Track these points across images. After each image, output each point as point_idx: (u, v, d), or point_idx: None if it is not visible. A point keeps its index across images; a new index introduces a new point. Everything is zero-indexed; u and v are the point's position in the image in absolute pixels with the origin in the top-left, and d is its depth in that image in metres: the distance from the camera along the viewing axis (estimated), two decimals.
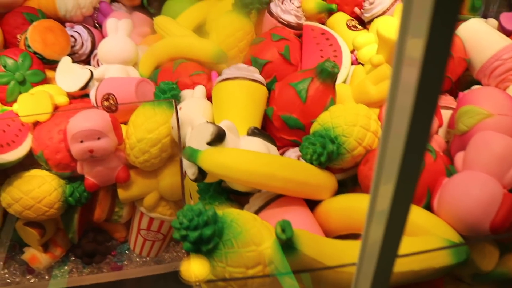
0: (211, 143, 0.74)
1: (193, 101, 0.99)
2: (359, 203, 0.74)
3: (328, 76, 0.87)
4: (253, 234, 0.59)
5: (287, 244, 0.56)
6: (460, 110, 0.82)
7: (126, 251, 1.15)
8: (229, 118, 0.83)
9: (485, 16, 1.22)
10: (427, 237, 0.66)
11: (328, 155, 0.77)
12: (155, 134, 0.95)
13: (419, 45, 0.31)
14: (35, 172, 0.98)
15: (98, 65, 1.21)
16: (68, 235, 1.07)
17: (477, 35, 1.03)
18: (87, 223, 1.10)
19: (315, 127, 0.84)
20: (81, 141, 0.90)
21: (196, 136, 0.76)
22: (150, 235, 1.09)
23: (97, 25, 1.36)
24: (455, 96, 1.00)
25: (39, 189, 0.95)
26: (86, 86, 1.10)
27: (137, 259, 1.14)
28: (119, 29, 1.17)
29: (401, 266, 0.52)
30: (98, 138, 0.91)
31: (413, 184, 0.37)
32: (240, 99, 0.92)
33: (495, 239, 0.70)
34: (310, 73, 0.89)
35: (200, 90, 1.02)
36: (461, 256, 0.63)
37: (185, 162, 0.74)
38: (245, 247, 0.58)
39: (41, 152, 0.95)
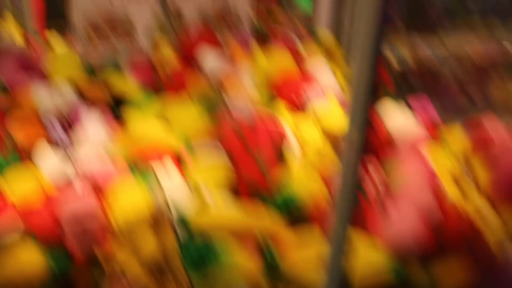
0: None
1: (169, 177, 1.11)
2: None
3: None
4: None
5: None
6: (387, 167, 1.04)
7: None
8: None
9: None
10: None
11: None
12: (136, 206, 1.06)
13: None
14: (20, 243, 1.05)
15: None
16: None
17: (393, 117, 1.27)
18: None
19: None
20: (76, 224, 1.02)
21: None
22: None
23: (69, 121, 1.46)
24: None
25: (25, 260, 1.03)
26: (66, 172, 1.19)
27: None
28: (93, 120, 1.34)
29: None
30: (92, 220, 1.03)
31: None
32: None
33: None
34: None
35: (171, 168, 1.15)
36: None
37: None
38: None
39: (31, 230, 1.04)
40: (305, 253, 0.88)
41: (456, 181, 1.18)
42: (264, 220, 0.92)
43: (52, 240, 1.05)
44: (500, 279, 0.96)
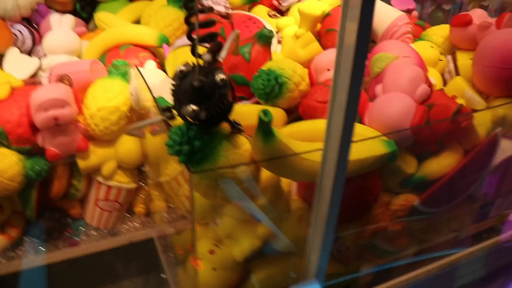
0: None
1: (149, 71, 1.06)
2: (314, 123, 0.89)
3: (266, 39, 1.01)
4: (234, 140, 0.68)
5: (267, 129, 0.65)
6: (373, 58, 0.98)
7: (82, 228, 1.19)
8: None
9: None
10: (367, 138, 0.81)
11: (273, 87, 0.92)
12: (114, 103, 1.03)
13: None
14: None
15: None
16: (26, 213, 1.09)
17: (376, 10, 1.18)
18: (43, 203, 1.12)
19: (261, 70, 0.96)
20: (46, 110, 0.95)
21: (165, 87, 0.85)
22: (108, 205, 1.14)
23: (34, 25, 1.38)
24: None
25: (1, 163, 0.98)
26: (35, 74, 1.15)
27: (94, 233, 1.18)
28: (63, 23, 1.25)
29: (353, 154, 0.64)
30: (62, 107, 0.96)
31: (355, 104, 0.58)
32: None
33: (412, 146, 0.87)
34: (250, 39, 1.02)
35: (151, 63, 1.10)
36: (392, 147, 0.79)
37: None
38: (229, 151, 0.67)
39: (2, 128, 0.97)
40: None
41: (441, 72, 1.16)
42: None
43: (24, 141, 1.00)
44: (487, 162, 0.96)
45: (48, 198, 1.11)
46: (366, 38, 0.53)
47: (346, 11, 0.54)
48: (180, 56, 1.03)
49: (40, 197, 1.09)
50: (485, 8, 2.06)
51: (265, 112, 0.64)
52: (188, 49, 0.98)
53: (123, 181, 1.12)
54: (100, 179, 1.11)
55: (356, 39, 0.53)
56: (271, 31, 1.00)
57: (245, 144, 0.69)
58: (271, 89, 0.92)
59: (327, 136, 0.64)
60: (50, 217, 1.14)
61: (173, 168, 0.91)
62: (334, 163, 0.64)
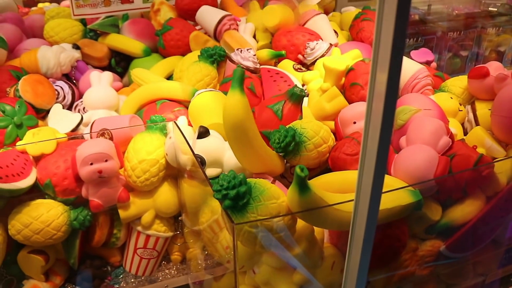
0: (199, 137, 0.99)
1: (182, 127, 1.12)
2: (345, 173, 0.96)
3: (297, 98, 1.06)
4: (273, 191, 0.76)
5: (303, 183, 0.71)
6: (397, 110, 1.03)
7: (121, 276, 1.24)
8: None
9: None
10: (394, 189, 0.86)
11: (287, 143, 0.95)
12: (153, 156, 1.10)
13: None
14: (40, 200, 1.07)
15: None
16: (70, 261, 1.15)
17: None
18: (84, 251, 1.19)
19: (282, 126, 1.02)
20: (91, 164, 1.03)
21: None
22: (147, 253, 1.20)
23: (74, 81, 1.50)
24: None
25: (48, 214, 1.05)
26: (77, 128, 1.25)
27: (132, 280, 1.23)
28: (102, 80, 1.35)
29: (382, 204, 0.67)
30: (106, 160, 1.04)
31: (384, 158, 0.62)
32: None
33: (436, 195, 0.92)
34: (282, 97, 1.08)
35: (183, 119, 1.18)
36: (418, 196, 0.84)
37: None
38: (269, 200, 0.74)
39: (49, 180, 1.05)
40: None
41: (461, 122, 1.21)
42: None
43: (70, 192, 1.07)
44: (510, 208, 1.00)
45: (90, 246, 1.17)
46: (396, 87, 0.57)
47: (376, 62, 0.57)
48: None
49: (82, 246, 1.15)
50: (501, 53, 2.13)
51: (302, 168, 0.70)
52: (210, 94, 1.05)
53: (160, 230, 1.18)
54: (139, 228, 1.16)
55: (386, 88, 0.57)
56: (302, 90, 1.06)
57: (282, 196, 0.76)
58: (286, 145, 0.95)
59: (358, 188, 0.68)
60: (91, 264, 1.19)
61: (208, 217, 0.97)
62: (365, 213, 0.68)
